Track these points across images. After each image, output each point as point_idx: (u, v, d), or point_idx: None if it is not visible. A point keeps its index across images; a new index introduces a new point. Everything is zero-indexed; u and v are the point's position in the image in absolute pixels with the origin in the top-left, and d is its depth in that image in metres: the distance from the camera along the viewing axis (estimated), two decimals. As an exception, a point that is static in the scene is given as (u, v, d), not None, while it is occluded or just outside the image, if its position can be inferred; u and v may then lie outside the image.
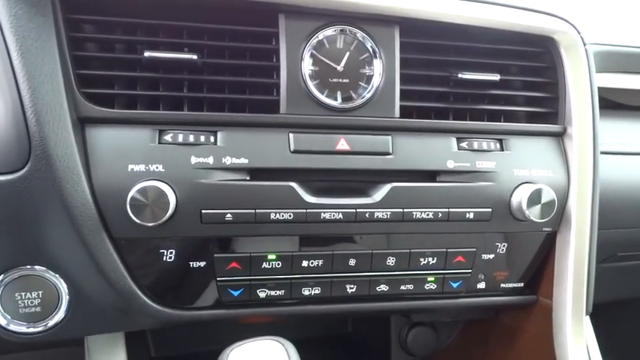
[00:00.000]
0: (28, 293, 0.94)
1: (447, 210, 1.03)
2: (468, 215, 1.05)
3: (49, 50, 0.86)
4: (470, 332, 1.55)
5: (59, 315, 0.96)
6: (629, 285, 1.68)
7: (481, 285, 1.14)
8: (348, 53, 1.00)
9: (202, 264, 0.98)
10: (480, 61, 1.09)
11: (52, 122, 0.85)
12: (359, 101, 1.00)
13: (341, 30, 0.99)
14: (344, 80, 1.00)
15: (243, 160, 0.94)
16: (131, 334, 1.28)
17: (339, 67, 1.00)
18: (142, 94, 0.94)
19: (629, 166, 1.41)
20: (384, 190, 1.01)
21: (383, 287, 1.08)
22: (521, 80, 1.14)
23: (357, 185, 1.02)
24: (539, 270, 1.20)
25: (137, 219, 0.87)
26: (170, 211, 0.89)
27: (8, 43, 0.85)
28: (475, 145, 1.06)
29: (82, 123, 0.90)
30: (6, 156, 0.85)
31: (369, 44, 1.00)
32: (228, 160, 0.93)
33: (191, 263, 0.98)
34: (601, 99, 1.16)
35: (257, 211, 0.95)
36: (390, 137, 1.02)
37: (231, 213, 0.94)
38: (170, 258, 0.96)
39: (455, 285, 1.12)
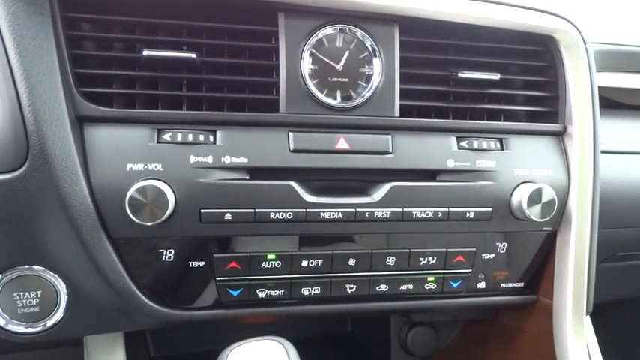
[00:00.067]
0: (27, 293, 0.93)
1: (446, 209, 1.03)
2: (468, 215, 1.04)
3: (47, 49, 0.86)
4: (470, 332, 1.55)
5: (58, 315, 0.96)
6: (629, 284, 1.68)
7: (481, 285, 1.14)
8: (347, 52, 1.00)
9: (201, 264, 0.98)
10: (479, 60, 1.09)
11: (50, 121, 0.85)
12: (358, 100, 1.00)
13: (340, 29, 0.99)
14: (343, 79, 0.99)
15: (243, 160, 0.94)
16: (130, 334, 1.28)
17: (339, 66, 0.99)
18: (141, 93, 0.94)
19: (629, 165, 1.41)
20: (384, 189, 1.00)
21: (383, 287, 1.08)
22: (522, 79, 1.13)
23: (356, 185, 1.02)
24: (539, 269, 1.19)
25: (136, 218, 0.87)
26: (169, 211, 0.88)
27: (6, 41, 0.84)
28: (475, 145, 1.06)
29: (80, 122, 0.90)
30: (4, 155, 0.85)
31: (368, 43, 1.00)
32: (227, 160, 0.93)
33: (190, 263, 0.98)
34: (601, 98, 1.15)
35: (256, 210, 0.95)
36: (389, 136, 1.01)
37: (230, 212, 0.93)
38: (169, 258, 0.96)
39: (455, 285, 1.12)
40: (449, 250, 1.08)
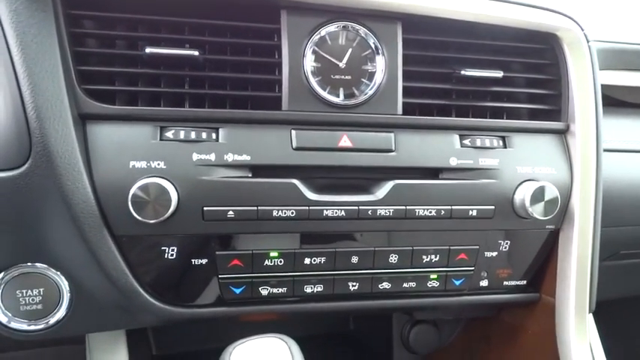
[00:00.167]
0: (29, 291, 0.93)
1: (449, 207, 1.03)
2: (470, 213, 1.04)
3: (50, 46, 0.86)
4: (472, 330, 1.55)
5: (60, 312, 0.96)
6: (631, 283, 1.68)
7: (484, 283, 1.14)
8: (350, 50, 0.99)
9: (204, 261, 0.98)
10: (482, 57, 1.09)
11: (53, 119, 0.85)
12: (361, 98, 1.00)
13: (343, 26, 0.99)
14: (346, 77, 0.99)
15: (245, 157, 0.94)
16: (132, 331, 1.27)
17: (342, 64, 0.99)
18: (143, 90, 0.94)
19: (631, 163, 1.40)
20: (387, 187, 1.00)
21: (385, 285, 1.07)
22: (524, 77, 1.13)
23: (359, 182, 1.02)
24: (542, 268, 1.19)
25: (139, 216, 0.87)
26: (172, 208, 0.88)
27: (8, 38, 0.84)
28: (478, 143, 1.06)
29: (82, 119, 0.90)
30: (6, 152, 0.85)
31: (371, 41, 1.00)
32: (230, 157, 0.93)
33: (193, 260, 0.98)
34: (604, 96, 1.15)
35: (259, 208, 0.94)
36: (392, 134, 1.01)
37: (233, 210, 0.93)
38: (172, 255, 0.96)
39: (457, 283, 1.11)
40: (451, 248, 1.08)
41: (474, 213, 1.05)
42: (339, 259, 1.03)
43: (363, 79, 1.00)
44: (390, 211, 1.00)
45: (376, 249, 1.04)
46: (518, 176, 1.06)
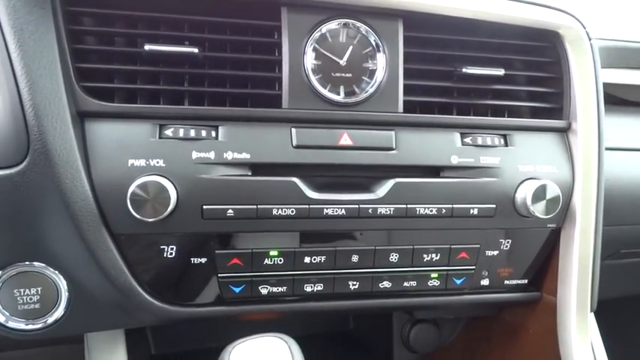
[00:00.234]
0: (27, 290, 0.93)
1: (450, 206, 1.02)
2: (471, 211, 1.04)
3: (48, 43, 0.85)
4: (473, 329, 1.54)
5: (58, 312, 0.95)
6: (632, 282, 1.68)
7: (485, 282, 1.14)
8: (351, 47, 0.99)
9: (203, 260, 0.98)
10: (484, 55, 1.08)
11: (51, 116, 0.84)
12: (362, 96, 0.99)
13: (344, 24, 0.98)
14: (347, 75, 0.99)
15: (245, 155, 0.93)
16: (131, 331, 1.27)
17: (342, 62, 0.99)
18: (143, 88, 0.93)
19: (632, 162, 1.40)
20: (388, 185, 1.00)
21: (386, 284, 1.07)
22: (526, 75, 1.13)
23: (360, 181, 1.01)
24: (543, 267, 1.19)
25: (137, 214, 0.86)
26: (171, 207, 0.88)
27: (6, 34, 0.83)
28: (479, 141, 1.05)
29: (81, 117, 0.89)
30: (4, 150, 0.84)
31: (372, 38, 0.99)
32: (229, 155, 0.92)
33: (192, 259, 0.97)
34: (605, 95, 1.14)
35: (259, 206, 0.94)
36: (393, 132, 1.00)
37: (232, 209, 0.93)
38: (171, 254, 0.95)
39: (458, 281, 1.11)
40: (452, 246, 1.08)
41: (475, 211, 1.04)
42: (340, 258, 1.03)
43: (363, 77, 0.99)
44: (390, 210, 1.00)
45: (377, 248, 1.04)
46: (519, 175, 1.06)
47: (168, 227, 0.91)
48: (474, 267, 1.11)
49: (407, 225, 1.02)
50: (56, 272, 0.94)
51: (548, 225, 1.12)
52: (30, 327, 0.95)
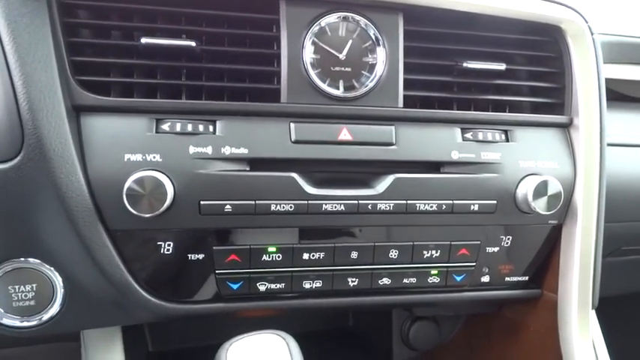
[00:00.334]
0: (22, 286, 0.92)
1: (451, 202, 1.01)
2: (472, 207, 1.03)
3: (43, 36, 0.84)
4: (473, 327, 1.53)
5: (54, 309, 0.94)
6: (632, 279, 1.67)
7: (485, 278, 1.13)
8: (350, 41, 0.98)
9: (201, 256, 0.97)
10: (485, 50, 1.07)
11: (46, 110, 0.83)
12: (362, 90, 0.98)
13: (343, 17, 0.97)
14: (346, 69, 0.98)
15: (243, 150, 0.92)
16: (128, 328, 1.26)
17: (342, 56, 0.97)
18: (139, 81, 0.92)
19: (633, 158, 1.39)
20: (387, 181, 0.99)
21: (385, 280, 1.06)
22: (527, 70, 1.12)
23: (359, 176, 1.00)
24: (544, 263, 1.18)
25: (134, 210, 0.85)
26: (168, 202, 0.87)
27: (0, 27, 0.82)
28: (480, 136, 1.04)
29: (76, 111, 0.88)
30: (-2, 144, 0.83)
31: (372, 32, 0.98)
32: (227, 150, 0.91)
33: (189, 256, 0.96)
34: (607, 90, 1.14)
35: (257, 202, 0.93)
36: (393, 127, 0.99)
37: (230, 204, 0.92)
38: (168, 250, 0.94)
39: (458, 278, 1.10)
40: (453, 243, 1.07)
41: (476, 208, 1.03)
42: (339, 255, 1.02)
43: (363, 71, 0.98)
44: (390, 206, 0.99)
45: (376, 244, 1.03)
46: (520, 170, 1.05)
47: (165, 223, 0.90)
48: (474, 263, 1.10)
49: (407, 221, 1.01)
50: (52, 269, 0.93)
51: (550, 221, 1.11)
52: (25, 324, 0.94)
